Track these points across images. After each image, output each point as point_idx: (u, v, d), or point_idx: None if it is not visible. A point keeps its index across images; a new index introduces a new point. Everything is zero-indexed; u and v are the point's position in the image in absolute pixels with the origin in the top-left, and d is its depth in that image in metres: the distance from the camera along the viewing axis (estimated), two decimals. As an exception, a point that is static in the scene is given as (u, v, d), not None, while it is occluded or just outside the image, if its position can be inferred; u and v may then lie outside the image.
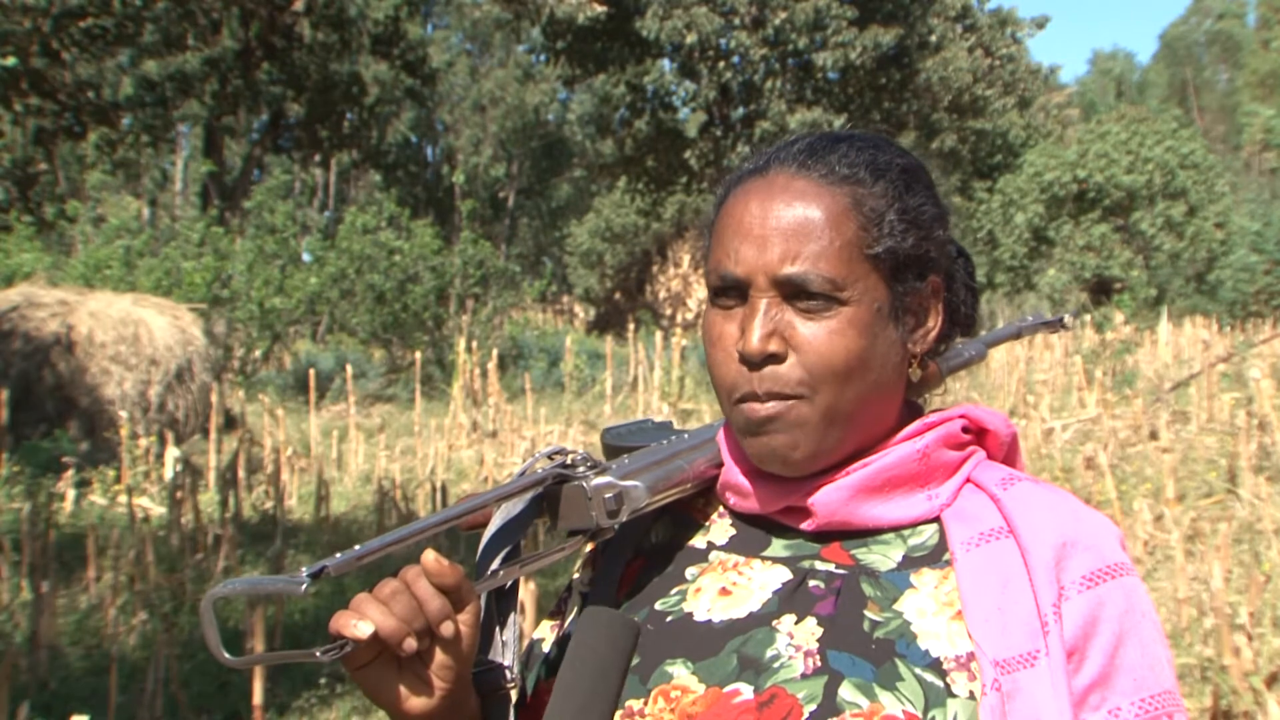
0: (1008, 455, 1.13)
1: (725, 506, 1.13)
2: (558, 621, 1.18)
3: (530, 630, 1.43)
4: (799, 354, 1.02)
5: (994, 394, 12.71)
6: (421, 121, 42.00)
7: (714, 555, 1.10)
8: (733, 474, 1.10)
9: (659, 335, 14.41)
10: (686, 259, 30.73)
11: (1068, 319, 1.48)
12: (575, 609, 1.15)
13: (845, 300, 1.02)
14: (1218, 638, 4.28)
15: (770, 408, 1.02)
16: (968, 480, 1.08)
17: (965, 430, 1.10)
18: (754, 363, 1.02)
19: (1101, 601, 0.99)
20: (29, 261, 15.62)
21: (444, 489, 8.16)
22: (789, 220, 1.03)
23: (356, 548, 0.96)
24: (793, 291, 1.02)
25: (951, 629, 0.99)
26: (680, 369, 12.16)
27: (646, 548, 1.14)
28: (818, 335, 1.01)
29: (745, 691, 0.98)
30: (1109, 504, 6.68)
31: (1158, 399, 11.13)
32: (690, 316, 29.69)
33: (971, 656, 0.98)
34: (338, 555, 0.95)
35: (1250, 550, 6.28)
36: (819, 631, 1.00)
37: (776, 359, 1.02)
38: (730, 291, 1.05)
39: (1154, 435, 9.49)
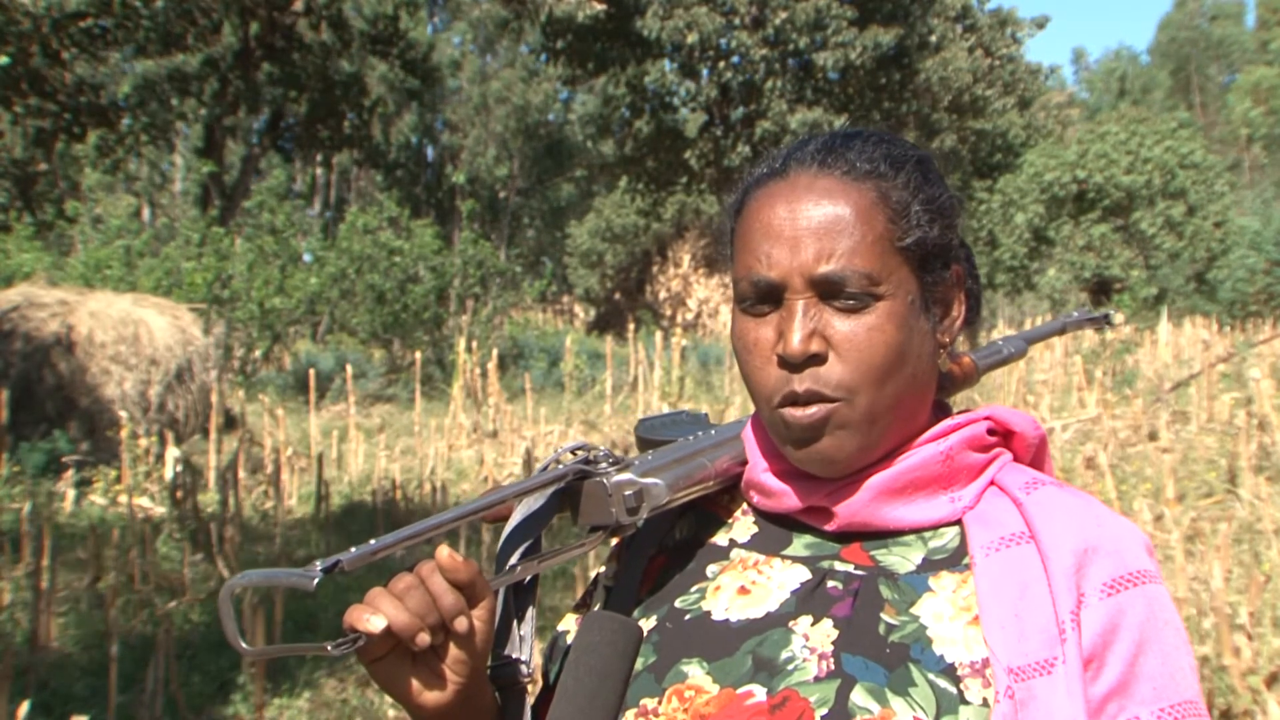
0: (1036, 457, 1.12)
1: (749, 504, 1.13)
2: (583, 614, 1.18)
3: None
4: (839, 353, 1.01)
5: (994, 394, 12.69)
6: (423, 121, 41.99)
7: (735, 553, 1.10)
8: (757, 472, 1.10)
9: (659, 335, 14.39)
10: (686, 259, 30.69)
11: (1114, 316, 1.48)
12: (599, 603, 1.15)
13: (881, 295, 1.01)
14: (1218, 637, 4.28)
15: (813, 413, 1.01)
16: (991, 483, 1.07)
17: (991, 432, 1.09)
18: (795, 365, 1.01)
19: (1122, 609, 0.98)
20: (29, 261, 15.63)
21: (444, 489, 8.16)
22: (819, 219, 1.02)
23: (371, 542, 0.95)
24: (829, 290, 1.01)
25: (968, 634, 0.98)
26: (680, 369, 12.16)
27: (669, 544, 1.14)
28: (857, 333, 1.01)
29: (758, 693, 0.98)
30: (1109, 504, 6.67)
31: (1158, 399, 11.13)
32: (690, 316, 29.65)
33: (987, 663, 0.96)
34: (352, 549, 0.95)
35: (1250, 550, 6.27)
36: (834, 634, 1.00)
37: (818, 359, 1.01)
38: (764, 297, 1.04)
39: (1154, 435, 9.48)
